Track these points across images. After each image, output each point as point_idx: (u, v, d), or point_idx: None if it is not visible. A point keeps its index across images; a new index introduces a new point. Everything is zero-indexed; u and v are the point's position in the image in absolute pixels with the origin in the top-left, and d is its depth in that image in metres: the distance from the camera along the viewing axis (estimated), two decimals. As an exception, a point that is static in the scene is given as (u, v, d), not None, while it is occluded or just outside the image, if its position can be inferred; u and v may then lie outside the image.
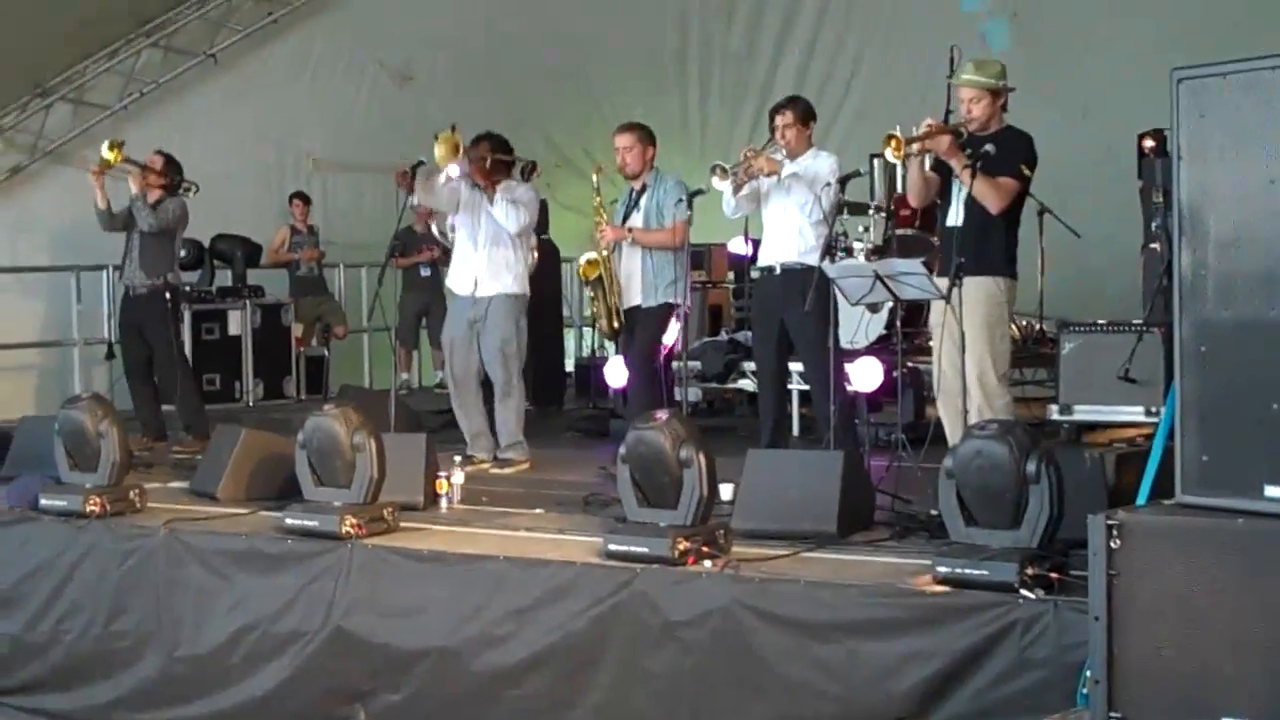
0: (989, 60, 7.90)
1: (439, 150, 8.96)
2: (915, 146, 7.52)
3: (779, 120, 8.69)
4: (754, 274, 9.24)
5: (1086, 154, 12.66)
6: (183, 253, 11.34)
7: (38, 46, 12.88)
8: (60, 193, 12.44)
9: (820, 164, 8.60)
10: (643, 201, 9.20)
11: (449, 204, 9.42)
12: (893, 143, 7.39)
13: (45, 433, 8.53)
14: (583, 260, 9.39)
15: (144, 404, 10.97)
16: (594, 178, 9.47)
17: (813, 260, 8.36)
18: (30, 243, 13.09)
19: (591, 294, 9.40)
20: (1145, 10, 13.04)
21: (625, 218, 9.27)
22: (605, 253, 9.21)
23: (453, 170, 9.11)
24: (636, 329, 9.19)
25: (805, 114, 8.75)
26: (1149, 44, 12.38)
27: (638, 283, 9.15)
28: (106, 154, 10.28)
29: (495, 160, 9.36)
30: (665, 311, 9.14)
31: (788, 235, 8.63)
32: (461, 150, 9.04)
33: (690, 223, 9.04)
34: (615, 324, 9.23)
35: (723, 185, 8.63)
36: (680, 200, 8.99)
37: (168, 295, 10.64)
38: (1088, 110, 13.27)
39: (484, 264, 9.35)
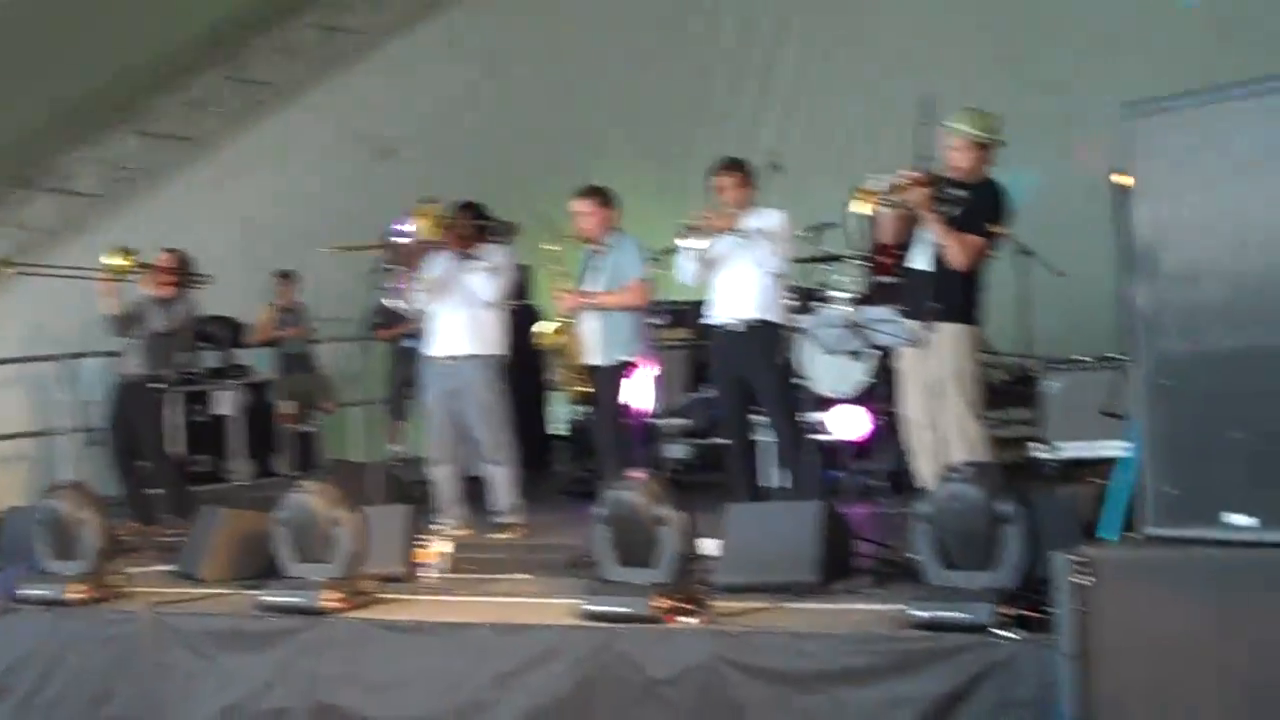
0: (987, 113, 7.76)
1: (421, 224, 8.94)
2: (893, 197, 7.49)
3: (721, 181, 8.71)
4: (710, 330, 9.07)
5: (1072, 190, 12.63)
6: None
7: (19, 138, 12.92)
8: (42, 282, 12.42)
9: (770, 220, 8.64)
10: (603, 263, 9.16)
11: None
12: (859, 195, 7.38)
13: (30, 523, 8.47)
14: (548, 329, 9.33)
15: (132, 490, 10.94)
16: (553, 246, 9.42)
17: (772, 315, 8.41)
18: (10, 333, 13.07)
19: (558, 363, 9.33)
20: (1130, 47, 13.03)
21: (581, 280, 9.21)
22: (567, 320, 9.16)
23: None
24: (599, 390, 9.15)
25: (747, 175, 8.79)
26: (1133, 79, 12.35)
27: (592, 343, 9.12)
28: (120, 262, 10.24)
29: (474, 227, 9.37)
30: (620, 370, 9.05)
31: (745, 292, 8.63)
32: (441, 225, 9.04)
33: (651, 282, 8.99)
34: (585, 387, 9.17)
35: (695, 245, 8.58)
36: (646, 260, 8.96)
37: (157, 387, 10.62)
38: (1068, 147, 13.23)
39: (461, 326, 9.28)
